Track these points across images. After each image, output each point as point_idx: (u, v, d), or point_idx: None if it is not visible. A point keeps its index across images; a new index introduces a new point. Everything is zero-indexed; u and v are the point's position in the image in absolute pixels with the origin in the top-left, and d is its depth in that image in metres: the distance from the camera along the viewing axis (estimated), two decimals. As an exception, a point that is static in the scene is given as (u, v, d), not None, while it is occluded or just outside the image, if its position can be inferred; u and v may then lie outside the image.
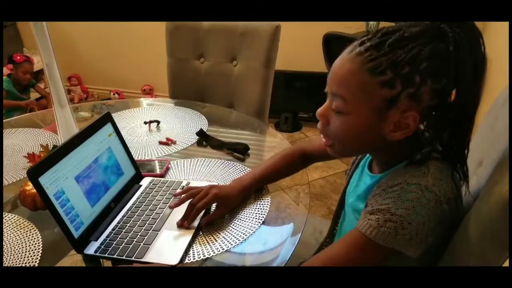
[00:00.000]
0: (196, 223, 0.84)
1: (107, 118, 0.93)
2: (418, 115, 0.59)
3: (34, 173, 0.72)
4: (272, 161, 0.97)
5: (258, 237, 0.83)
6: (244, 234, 0.83)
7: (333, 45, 2.17)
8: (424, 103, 0.59)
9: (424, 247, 0.60)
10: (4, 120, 1.53)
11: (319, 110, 0.67)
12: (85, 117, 1.53)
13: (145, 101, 1.77)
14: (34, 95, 3.19)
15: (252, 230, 0.84)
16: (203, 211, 0.86)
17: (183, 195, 0.86)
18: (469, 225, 0.58)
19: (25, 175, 1.05)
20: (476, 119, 0.64)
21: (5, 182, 1.04)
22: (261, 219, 0.87)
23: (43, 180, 0.73)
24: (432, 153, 0.65)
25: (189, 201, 0.84)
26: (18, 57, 2.81)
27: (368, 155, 0.79)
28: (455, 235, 0.62)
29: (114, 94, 3.37)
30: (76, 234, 0.77)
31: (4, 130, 1.34)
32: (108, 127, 0.93)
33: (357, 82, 0.60)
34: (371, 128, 0.62)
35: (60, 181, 0.77)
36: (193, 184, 0.94)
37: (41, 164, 0.75)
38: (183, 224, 0.82)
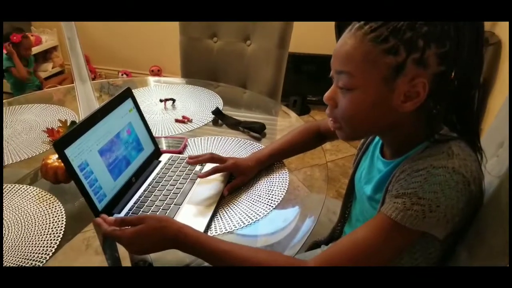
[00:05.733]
0: (217, 198, 0.85)
1: (128, 93, 0.93)
2: (426, 82, 0.59)
3: (60, 145, 0.73)
4: (289, 137, 1.00)
5: (275, 215, 0.84)
6: (264, 210, 0.84)
7: (345, 28, 2.16)
8: (431, 68, 0.58)
9: (451, 227, 0.61)
10: (14, 98, 1.55)
11: (326, 94, 0.67)
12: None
13: (154, 80, 1.76)
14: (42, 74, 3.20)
15: (271, 207, 0.85)
16: (224, 185, 0.88)
17: (205, 157, 0.91)
18: (496, 203, 0.59)
19: (45, 149, 1.08)
20: (494, 102, 0.64)
21: (25, 156, 1.06)
22: (280, 197, 0.88)
23: (69, 152, 0.74)
24: (450, 133, 0.65)
25: (214, 176, 0.90)
26: (15, 38, 2.77)
27: (377, 138, 0.78)
28: (479, 213, 0.63)
29: (122, 75, 3.36)
30: (99, 206, 0.79)
31: (17, 107, 1.35)
32: (129, 102, 0.93)
33: (361, 53, 0.60)
34: (381, 100, 0.62)
35: (85, 153, 0.78)
36: (207, 167, 0.94)
37: (67, 137, 0.76)
38: (201, 176, 0.90)
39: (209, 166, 0.94)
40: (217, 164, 0.91)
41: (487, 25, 1.94)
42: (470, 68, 0.60)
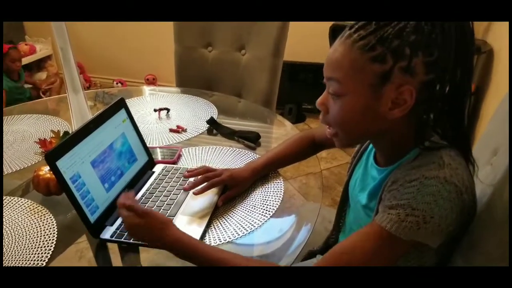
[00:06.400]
0: (211, 209, 0.84)
1: (121, 104, 0.93)
2: (414, 90, 0.59)
3: (52, 157, 0.72)
4: (283, 146, 1.00)
5: (270, 224, 0.83)
6: (259, 220, 0.83)
7: (339, 33, 2.17)
8: (419, 77, 0.59)
9: (444, 236, 0.61)
10: (8, 107, 1.53)
11: (318, 99, 0.68)
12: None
13: (148, 89, 1.75)
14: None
15: (266, 217, 0.84)
16: (218, 197, 0.87)
17: (199, 177, 0.89)
18: (490, 212, 0.59)
19: (37, 161, 1.07)
20: (487, 109, 0.64)
21: (17, 168, 1.05)
22: (275, 207, 0.87)
23: (60, 164, 0.74)
24: (440, 141, 0.65)
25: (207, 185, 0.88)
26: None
27: (371, 146, 0.78)
28: (474, 221, 0.62)
29: (117, 84, 3.35)
30: (92, 219, 0.78)
31: (10, 117, 1.34)
32: (122, 113, 0.92)
33: (349, 61, 0.61)
34: (369, 107, 0.62)
35: (77, 165, 0.77)
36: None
37: (58, 148, 0.75)
38: (196, 193, 0.88)
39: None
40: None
41: (479, 33, 1.96)
42: (459, 76, 0.60)
